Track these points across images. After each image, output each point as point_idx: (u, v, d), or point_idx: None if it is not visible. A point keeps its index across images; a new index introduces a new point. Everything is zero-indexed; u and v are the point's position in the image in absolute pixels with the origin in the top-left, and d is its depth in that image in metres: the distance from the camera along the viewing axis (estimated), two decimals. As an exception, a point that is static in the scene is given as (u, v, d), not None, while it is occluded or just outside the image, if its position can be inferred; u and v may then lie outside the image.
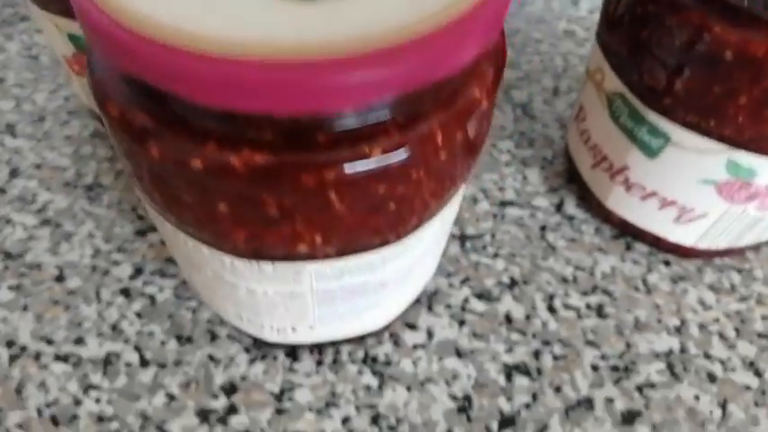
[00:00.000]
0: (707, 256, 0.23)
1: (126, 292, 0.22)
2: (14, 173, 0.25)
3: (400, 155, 0.13)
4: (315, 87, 0.11)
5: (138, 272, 0.22)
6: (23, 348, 0.20)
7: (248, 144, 0.13)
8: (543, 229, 0.24)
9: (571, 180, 0.26)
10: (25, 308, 0.21)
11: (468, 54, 0.12)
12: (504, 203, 0.25)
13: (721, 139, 0.19)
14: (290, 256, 0.16)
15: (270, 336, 0.19)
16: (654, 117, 0.20)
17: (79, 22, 0.12)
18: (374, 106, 0.13)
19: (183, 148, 0.13)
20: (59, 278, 0.22)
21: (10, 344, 0.20)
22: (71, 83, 0.25)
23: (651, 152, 0.21)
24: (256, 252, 0.16)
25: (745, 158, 0.19)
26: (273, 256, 0.16)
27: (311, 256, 0.16)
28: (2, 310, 0.21)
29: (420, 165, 0.14)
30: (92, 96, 0.24)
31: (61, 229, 0.23)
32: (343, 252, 0.16)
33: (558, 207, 0.25)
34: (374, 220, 0.15)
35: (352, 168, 0.13)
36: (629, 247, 0.24)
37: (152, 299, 0.22)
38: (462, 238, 0.24)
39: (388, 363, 0.21)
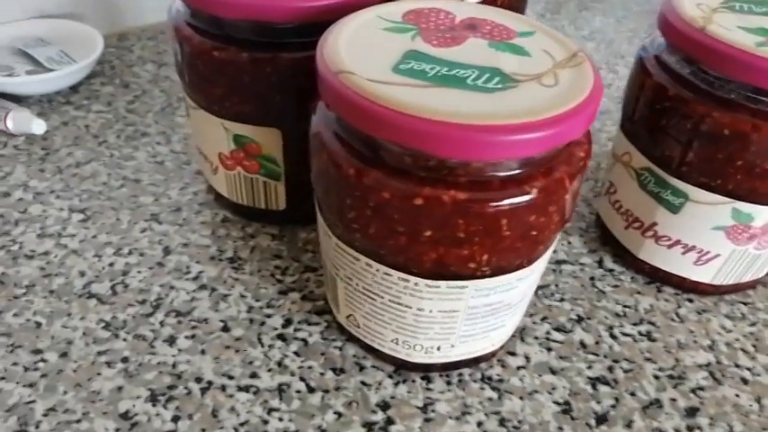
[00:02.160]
0: (719, 292, 0.31)
1: (282, 337, 0.27)
2: (167, 250, 0.30)
3: (545, 193, 0.20)
4: (501, 142, 0.18)
5: (288, 322, 0.28)
6: (210, 383, 0.25)
7: (452, 186, 0.20)
8: (592, 279, 0.31)
9: (605, 243, 0.33)
10: (203, 352, 0.26)
11: (584, 126, 0.20)
12: (559, 262, 0.32)
13: (726, 193, 0.27)
14: (460, 275, 0.22)
15: (417, 357, 0.25)
16: (675, 181, 0.27)
17: (344, 111, 0.19)
18: (531, 159, 0.20)
19: (408, 191, 0.20)
20: (225, 329, 0.27)
21: (198, 379, 0.25)
22: (209, 177, 0.32)
23: (674, 209, 0.28)
24: (438, 272, 0.22)
25: (745, 207, 0.27)
26: (448, 276, 0.22)
27: (474, 275, 0.22)
28: (185, 354, 0.26)
29: (555, 202, 0.21)
30: (235, 186, 0.30)
31: (217, 292, 0.29)
32: (495, 272, 0.22)
33: (600, 263, 0.32)
34: (521, 245, 0.21)
35: (518, 201, 0.20)
36: (659, 290, 0.31)
37: (304, 341, 0.27)
38: (536, 288, 0.30)
39: (501, 380, 0.26)
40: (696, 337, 0.29)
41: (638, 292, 0.31)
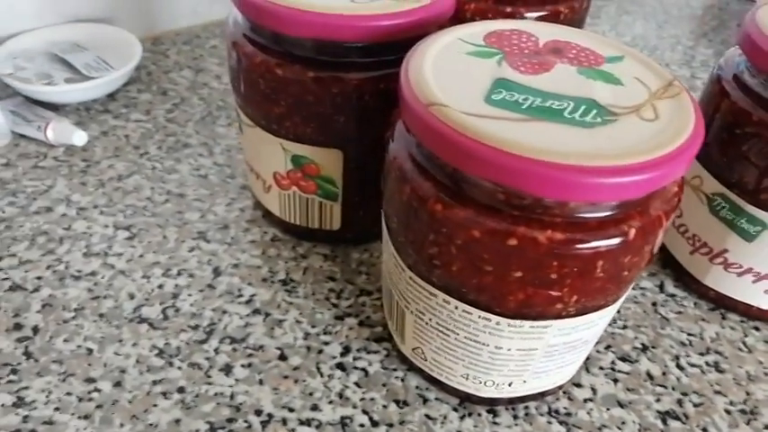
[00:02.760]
0: (787, 320, 0.30)
1: (341, 367, 0.26)
2: (217, 271, 0.29)
3: (642, 233, 0.19)
4: (605, 184, 0.17)
5: (346, 350, 0.27)
6: (270, 415, 0.24)
7: (548, 226, 0.18)
8: (654, 305, 0.30)
9: (665, 266, 0.32)
10: (261, 382, 0.25)
11: (687, 165, 0.19)
12: (619, 286, 0.31)
13: (807, 224, 0.26)
14: (544, 315, 0.21)
15: (486, 392, 0.24)
16: (752, 209, 0.26)
17: (437, 146, 0.18)
18: (630, 200, 0.19)
19: (502, 230, 0.19)
20: (282, 357, 0.26)
21: (258, 412, 0.24)
22: (258, 195, 0.31)
23: (749, 236, 0.27)
24: (522, 312, 0.21)
25: (826, 238, 0.26)
26: (532, 316, 0.21)
27: (559, 314, 0.21)
28: (243, 385, 0.25)
29: (651, 241, 0.20)
30: (288, 205, 0.29)
31: (271, 317, 0.28)
32: (579, 312, 0.21)
33: (661, 287, 0.31)
34: (611, 285, 0.20)
35: (615, 243, 0.19)
36: (724, 317, 0.30)
37: (365, 371, 0.26)
38: (595, 314, 0.29)
39: (568, 414, 0.25)
40: (766, 369, 0.28)
41: (703, 319, 0.30)
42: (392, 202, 0.22)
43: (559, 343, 0.22)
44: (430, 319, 0.23)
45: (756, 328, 0.30)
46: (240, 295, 0.28)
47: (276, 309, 0.28)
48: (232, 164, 0.36)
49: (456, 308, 0.22)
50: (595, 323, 0.22)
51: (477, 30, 0.23)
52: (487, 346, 0.22)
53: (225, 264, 0.30)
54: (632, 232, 0.19)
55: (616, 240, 0.19)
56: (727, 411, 0.26)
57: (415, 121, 0.19)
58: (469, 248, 0.19)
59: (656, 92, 0.20)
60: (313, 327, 0.27)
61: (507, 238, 0.19)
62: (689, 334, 0.29)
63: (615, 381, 0.27)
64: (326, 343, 0.27)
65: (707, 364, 0.28)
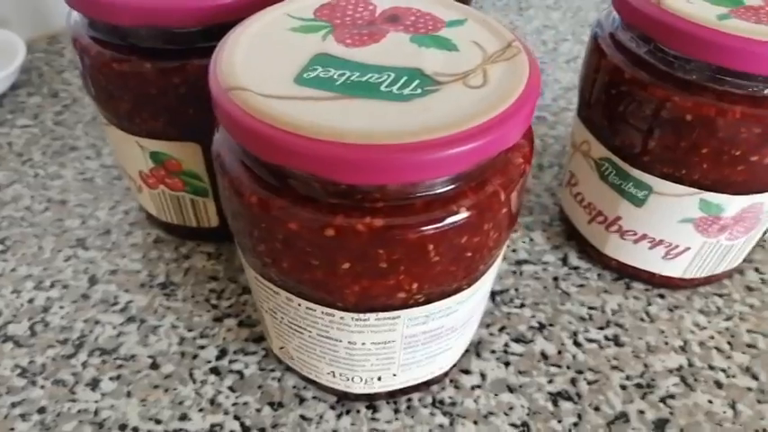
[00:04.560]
0: (692, 285, 0.28)
1: (216, 371, 0.25)
2: (93, 280, 0.28)
3: (477, 211, 0.18)
4: (418, 162, 0.16)
5: (222, 353, 0.25)
6: (136, 429, 0.23)
7: (368, 212, 0.17)
8: (556, 279, 0.29)
9: (569, 237, 0.31)
10: (129, 394, 0.24)
11: (517, 133, 0.17)
12: (519, 262, 0.30)
13: (692, 184, 0.24)
14: (389, 306, 0.20)
15: (357, 388, 0.23)
16: (637, 173, 0.25)
17: (235, 133, 0.17)
18: (457, 175, 0.17)
19: (318, 221, 0.17)
20: (154, 365, 0.25)
21: (123, 427, 0.23)
22: (135, 196, 0.29)
23: (638, 201, 0.26)
24: (364, 305, 0.19)
25: (714, 197, 0.24)
26: (376, 308, 0.19)
27: (405, 303, 0.20)
28: (109, 399, 0.24)
29: (490, 219, 0.18)
30: (162, 205, 0.28)
31: (146, 324, 0.26)
32: (429, 299, 0.20)
33: (564, 260, 0.30)
34: (455, 268, 0.19)
35: (444, 224, 0.17)
36: (628, 287, 0.29)
37: (240, 374, 0.25)
38: (493, 294, 0.28)
39: (453, 403, 0.24)
40: (667, 338, 0.27)
41: (606, 291, 0.28)
42: (222, 197, 0.20)
43: (418, 333, 0.21)
44: (282, 318, 0.21)
45: (661, 296, 0.28)
46: (116, 303, 0.27)
47: (152, 315, 0.27)
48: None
49: (299, 305, 0.20)
50: (454, 309, 0.21)
51: (308, 3, 0.21)
52: (341, 341, 0.21)
53: (102, 271, 0.28)
54: (463, 211, 0.18)
55: (445, 222, 0.17)
56: (623, 387, 0.25)
57: (217, 108, 0.18)
58: (291, 243, 0.18)
59: (491, 55, 0.19)
60: (189, 331, 0.26)
61: (324, 229, 0.17)
62: (590, 308, 0.28)
63: (507, 364, 0.25)
64: (202, 347, 0.26)
65: (606, 338, 0.27)
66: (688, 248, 0.26)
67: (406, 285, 0.19)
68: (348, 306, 0.19)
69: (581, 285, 0.29)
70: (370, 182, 0.16)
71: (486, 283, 0.22)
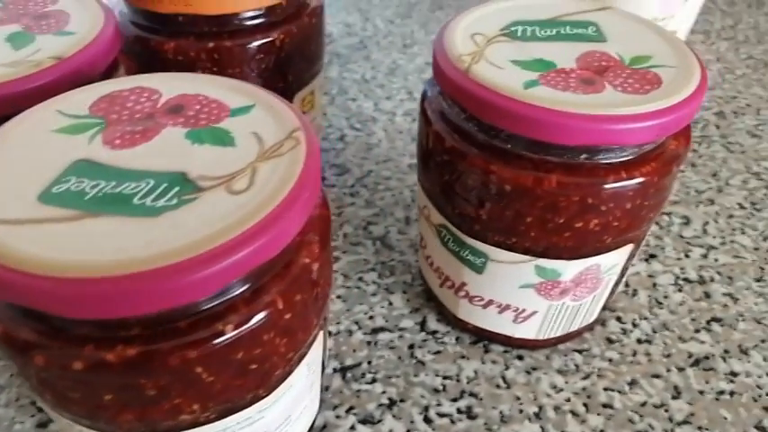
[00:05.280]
0: (550, 344, 0.28)
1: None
2: None
3: (250, 325, 0.16)
4: (166, 289, 0.14)
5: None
6: None
7: (121, 341, 0.16)
8: (411, 347, 0.28)
9: (429, 299, 0.30)
10: None
11: (275, 248, 0.16)
12: (375, 330, 0.28)
13: (525, 251, 0.23)
14: (177, 427, 0.18)
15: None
16: (471, 241, 0.24)
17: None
18: (221, 291, 0.16)
19: (64, 354, 0.15)
20: (-39, 486, 0.23)
21: None
22: None
23: (478, 269, 0.25)
24: (146, 429, 0.18)
25: (548, 263, 0.23)
26: (163, 429, 0.18)
27: (195, 422, 0.18)
28: None
29: (269, 329, 0.17)
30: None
31: (-41, 436, 0.24)
32: (222, 414, 0.18)
33: (422, 325, 0.29)
34: (242, 382, 0.18)
35: (210, 346, 0.16)
36: (486, 350, 0.28)
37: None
38: (343, 370, 0.27)
39: (289, 501, 0.23)
40: (522, 405, 0.26)
41: (463, 356, 0.27)
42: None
43: (220, 445, 0.19)
44: (75, 439, 0.20)
45: (520, 357, 0.27)
46: (-71, 413, 0.25)
47: None
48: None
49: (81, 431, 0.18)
50: (256, 418, 0.19)
51: (89, 94, 0.20)
52: (135, 463, 0.19)
53: None
54: (228, 330, 0.16)
55: (212, 343, 0.16)
56: (472, 465, 0.24)
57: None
58: (46, 380, 0.16)
59: (266, 150, 0.18)
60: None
61: (71, 363, 0.16)
62: (444, 377, 0.27)
63: (351, 449, 0.24)
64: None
65: (458, 411, 0.25)
66: (535, 312, 0.25)
67: (186, 408, 0.17)
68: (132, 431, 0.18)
69: (437, 352, 0.28)
70: (87, 317, 0.14)
71: (297, 381, 0.20)
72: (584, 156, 0.21)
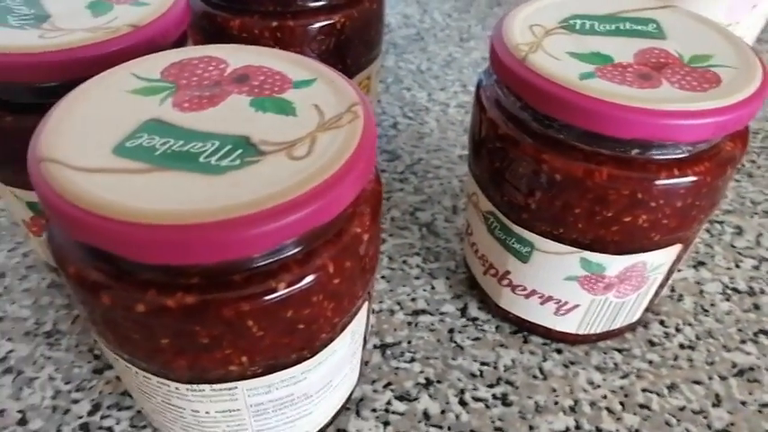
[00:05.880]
0: (590, 340, 0.28)
1: (85, 427, 0.24)
2: (-23, 329, 0.28)
3: (301, 285, 0.17)
4: (223, 241, 0.15)
5: (96, 407, 0.25)
6: (-12, 491, 0.22)
7: (181, 288, 0.17)
8: (451, 331, 0.28)
9: (472, 286, 0.30)
10: (-11, 453, 0.23)
11: (335, 210, 0.16)
12: (416, 312, 0.29)
13: (572, 243, 0.23)
14: (225, 378, 0.19)
15: (215, 452, 0.22)
16: (519, 229, 0.24)
17: (43, 206, 0.16)
18: (275, 249, 0.17)
19: (129, 296, 0.17)
20: (22, 421, 0.24)
21: (-25, 488, 0.22)
22: (29, 241, 0.29)
23: (523, 257, 0.25)
24: (196, 377, 0.19)
25: (594, 257, 0.23)
26: (211, 379, 0.19)
27: (242, 375, 0.19)
28: (-33, 458, 0.23)
29: (318, 291, 0.18)
30: (49, 253, 0.27)
31: (23, 375, 0.26)
32: (268, 369, 0.19)
33: (463, 311, 0.29)
34: (289, 340, 0.18)
35: (262, 301, 0.17)
36: (526, 340, 0.28)
37: (110, 430, 0.24)
38: (383, 347, 0.27)
39: (322, 465, 0.23)
40: (558, 397, 0.26)
41: (502, 345, 0.28)
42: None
43: (264, 401, 0.20)
44: (129, 382, 0.21)
45: (558, 351, 0.28)
46: (-5, 353, 0.27)
47: (31, 366, 0.26)
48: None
49: (137, 374, 0.20)
50: (300, 378, 0.20)
51: (160, 61, 0.21)
52: (185, 409, 0.20)
53: (-11, 318, 0.28)
54: (282, 287, 0.17)
55: (264, 298, 0.17)
56: (503, 449, 0.24)
57: (32, 181, 0.17)
58: (107, 317, 0.17)
59: (326, 121, 0.18)
60: (67, 383, 0.26)
61: (135, 305, 0.17)
62: (482, 363, 0.27)
63: (386, 424, 0.25)
64: (76, 401, 0.25)
65: (494, 396, 0.26)
66: (578, 305, 0.25)
67: (236, 359, 0.18)
68: (181, 378, 0.19)
69: (477, 339, 0.28)
70: (152, 261, 0.15)
71: (341, 348, 0.21)
72: (636, 150, 0.21)
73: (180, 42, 0.26)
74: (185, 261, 0.15)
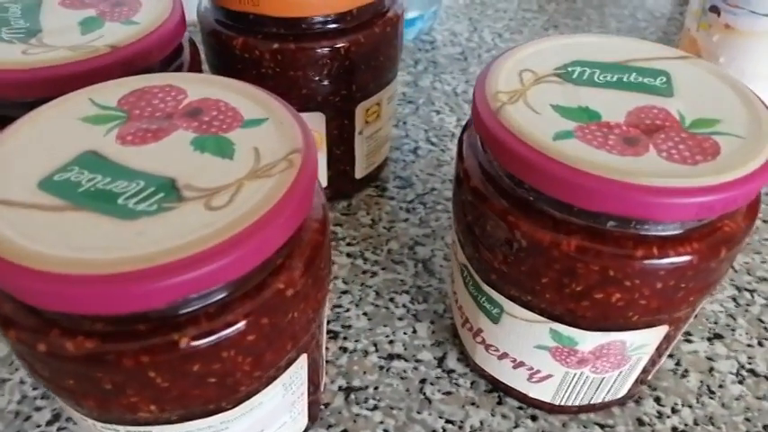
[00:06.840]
0: (570, 411, 0.25)
1: (38, 437, 0.25)
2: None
3: (208, 341, 0.16)
4: (115, 294, 0.14)
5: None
6: (-62, 488, 0.23)
7: (83, 332, 0.16)
8: (423, 382, 0.27)
9: (455, 335, 0.28)
10: (-52, 450, 0.24)
11: (245, 264, 0.16)
12: (391, 356, 0.28)
13: (541, 312, 0.22)
14: (137, 422, 0.18)
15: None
16: (488, 289, 0.23)
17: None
18: (180, 302, 0.16)
19: (30, 336, 0.16)
20: (-17, 422, 0.25)
21: (-73, 484, 0.23)
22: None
23: (493, 318, 0.23)
24: (109, 417, 0.18)
25: (564, 330, 0.21)
26: (125, 421, 0.19)
27: (155, 421, 0.18)
28: (-73, 452, 0.24)
29: (229, 347, 0.17)
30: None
31: (-6, 377, 0.27)
32: (182, 418, 0.19)
33: (441, 361, 0.27)
34: (200, 392, 0.18)
35: (164, 354, 0.16)
36: (500, 401, 0.26)
37: (60, 443, 0.24)
38: (348, 390, 0.26)
39: None
40: (522, 470, 0.24)
41: (473, 403, 0.26)
42: None
43: (184, 446, 0.20)
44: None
45: (533, 418, 0.25)
46: (-24, 350, 0.28)
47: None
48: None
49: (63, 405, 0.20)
50: (221, 428, 0.19)
51: (120, 88, 0.20)
52: (112, 445, 0.20)
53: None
54: (184, 341, 0.16)
55: (167, 351, 0.16)
56: None
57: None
58: (16, 350, 0.17)
59: (259, 168, 0.17)
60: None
61: (36, 345, 0.16)
62: (447, 420, 0.25)
63: (333, 473, 0.24)
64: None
65: (451, 459, 0.24)
66: (551, 375, 0.23)
67: (143, 407, 0.18)
68: (95, 416, 0.19)
69: (448, 393, 0.26)
70: (44, 308, 0.15)
71: (269, 400, 0.20)
72: (612, 223, 0.19)
73: (170, 61, 0.26)
74: (73, 310, 0.15)
